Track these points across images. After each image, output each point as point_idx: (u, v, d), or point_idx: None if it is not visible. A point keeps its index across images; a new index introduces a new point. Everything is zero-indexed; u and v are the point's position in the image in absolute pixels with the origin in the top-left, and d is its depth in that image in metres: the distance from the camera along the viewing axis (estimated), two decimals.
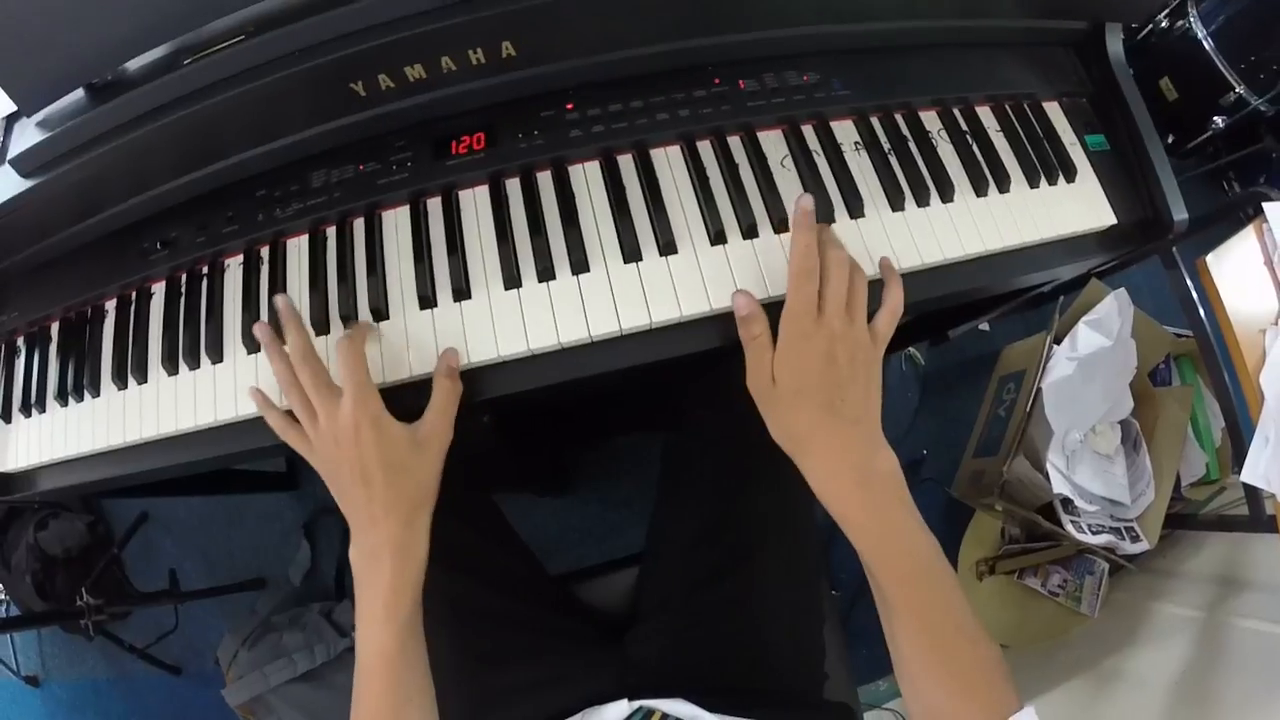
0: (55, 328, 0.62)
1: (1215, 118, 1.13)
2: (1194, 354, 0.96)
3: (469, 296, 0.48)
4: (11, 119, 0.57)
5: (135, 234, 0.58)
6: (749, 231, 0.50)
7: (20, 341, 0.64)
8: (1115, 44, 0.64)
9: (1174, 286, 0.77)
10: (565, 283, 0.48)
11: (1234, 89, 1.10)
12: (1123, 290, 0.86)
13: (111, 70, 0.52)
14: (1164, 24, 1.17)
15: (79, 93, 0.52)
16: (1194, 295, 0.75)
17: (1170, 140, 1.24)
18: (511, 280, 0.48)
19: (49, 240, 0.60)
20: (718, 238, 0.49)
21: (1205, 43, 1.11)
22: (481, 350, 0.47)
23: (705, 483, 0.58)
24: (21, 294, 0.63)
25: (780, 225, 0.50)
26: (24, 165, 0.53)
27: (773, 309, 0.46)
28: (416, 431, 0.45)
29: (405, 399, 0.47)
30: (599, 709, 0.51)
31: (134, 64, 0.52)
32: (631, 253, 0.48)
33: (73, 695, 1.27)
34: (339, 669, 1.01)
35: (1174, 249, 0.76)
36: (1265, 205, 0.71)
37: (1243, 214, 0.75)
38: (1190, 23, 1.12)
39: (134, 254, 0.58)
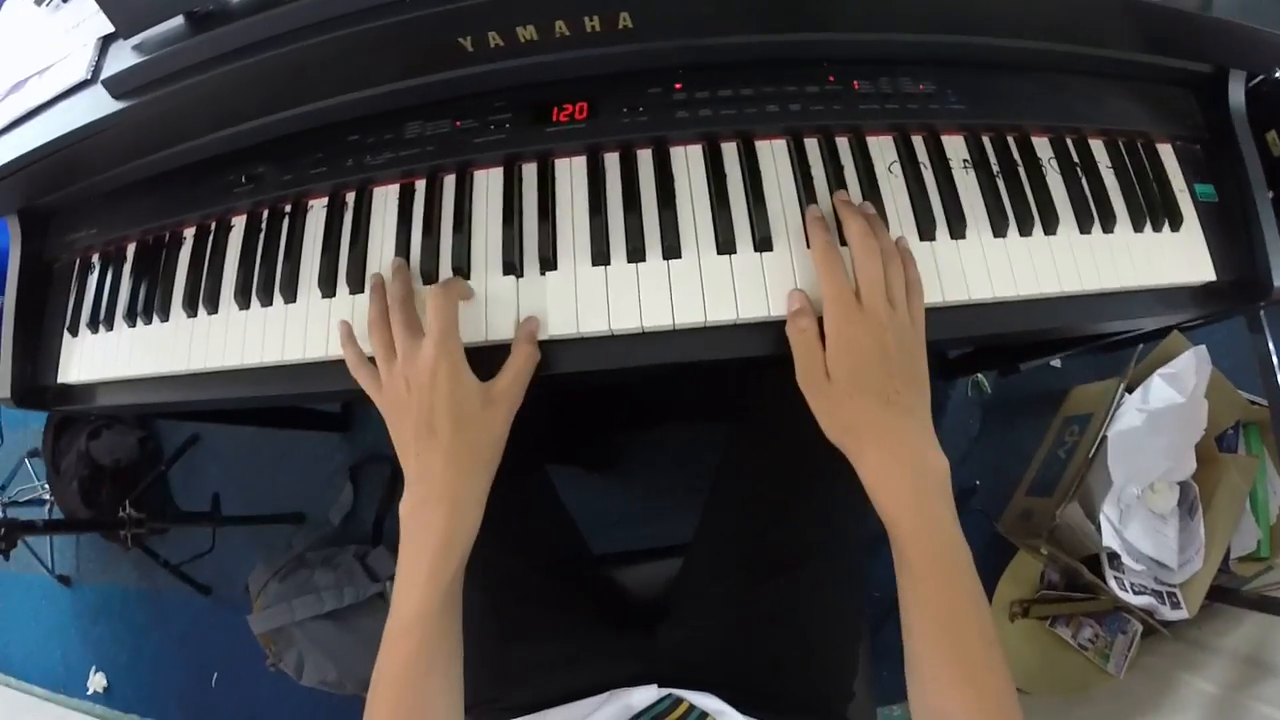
0: (132, 249, 0.60)
1: None
2: (1264, 424, 0.89)
3: (555, 268, 0.45)
4: (108, 40, 0.55)
5: (221, 166, 0.56)
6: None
7: (95, 259, 0.62)
8: (1238, 92, 0.58)
9: (1255, 351, 0.71)
10: (655, 265, 0.44)
11: None
12: (1203, 347, 0.80)
13: (213, 1, 0.49)
14: (1278, 74, 1.09)
15: (178, 20, 0.50)
16: (1275, 363, 0.69)
17: (1271, 195, 1.15)
18: (600, 257, 0.44)
19: (134, 163, 0.57)
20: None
21: None
22: (561, 324, 0.44)
23: (765, 480, 0.54)
24: (101, 213, 0.61)
25: None
26: (117, 87, 0.50)
27: None
28: (490, 389, 0.42)
29: (475, 362, 0.44)
30: (627, 691, 0.48)
31: None
32: (726, 244, 0.44)
33: (101, 599, 1.27)
34: (365, 613, 0.99)
35: (1261, 312, 0.70)
36: None
37: None
38: None
39: (218, 186, 0.55)
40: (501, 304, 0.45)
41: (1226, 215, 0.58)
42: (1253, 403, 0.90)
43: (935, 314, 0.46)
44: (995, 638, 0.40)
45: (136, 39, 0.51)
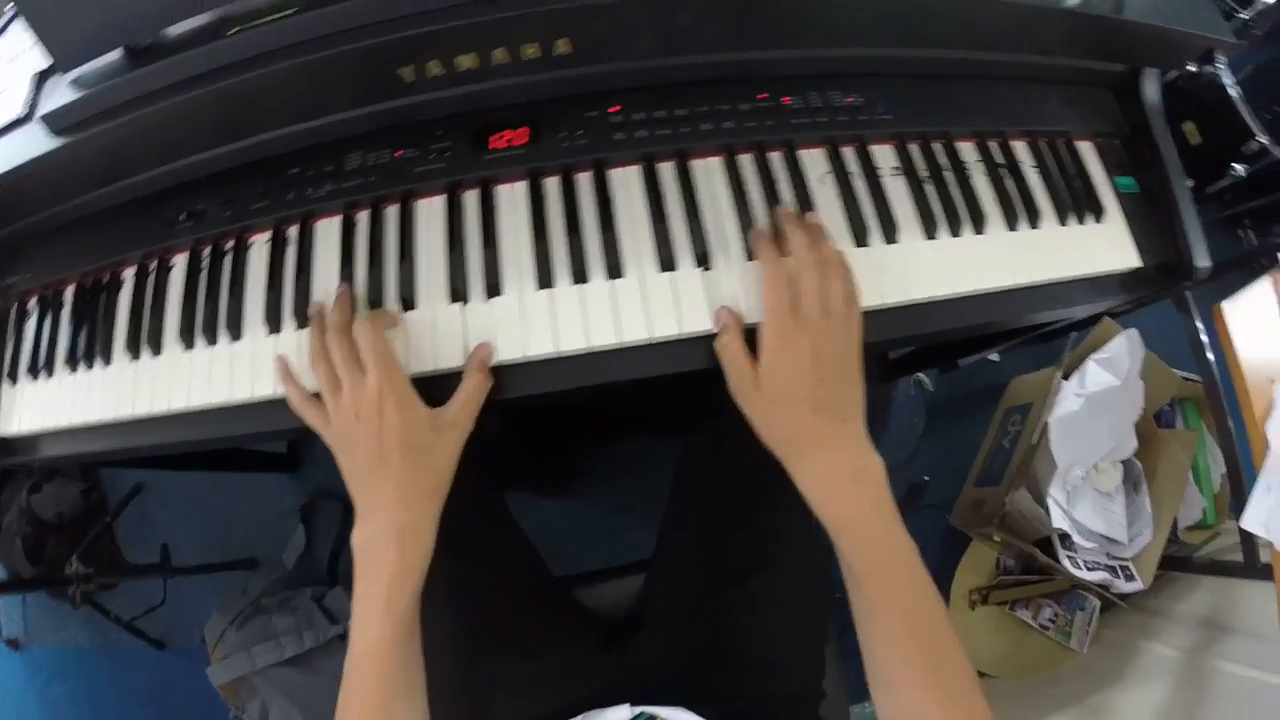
0: (70, 291, 0.61)
1: (1236, 165, 1.14)
2: (1199, 399, 0.96)
3: (500, 293, 0.48)
4: (43, 76, 0.56)
5: (161, 202, 0.57)
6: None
7: (32, 303, 0.62)
8: (1152, 89, 0.64)
9: (1185, 330, 0.77)
10: (598, 285, 0.47)
11: (1257, 138, 1.11)
12: (1134, 330, 0.87)
13: (153, 33, 0.51)
14: (1192, 69, 1.19)
15: (117, 53, 0.51)
16: (1205, 340, 0.76)
17: (1190, 184, 1.24)
18: (544, 279, 0.48)
19: (71, 202, 0.58)
20: (753, 251, 0.49)
21: (1232, 90, 1.12)
22: (509, 348, 0.47)
23: (723, 491, 0.57)
24: (37, 255, 0.62)
25: None
26: (55, 123, 0.52)
27: None
28: (439, 417, 0.44)
29: (424, 392, 0.46)
30: (600, 712, 0.50)
31: (176, 29, 0.51)
32: (667, 261, 0.48)
33: (54, 661, 1.24)
34: (327, 656, 0.99)
35: (1188, 294, 0.77)
36: None
37: (1259, 264, 0.75)
38: (1219, 69, 1.13)
39: (158, 223, 0.57)
40: (449, 332, 0.47)
41: (1148, 204, 0.63)
42: (1187, 379, 0.98)
43: (875, 316, 0.50)
44: (950, 626, 0.42)
45: (75, 73, 0.52)
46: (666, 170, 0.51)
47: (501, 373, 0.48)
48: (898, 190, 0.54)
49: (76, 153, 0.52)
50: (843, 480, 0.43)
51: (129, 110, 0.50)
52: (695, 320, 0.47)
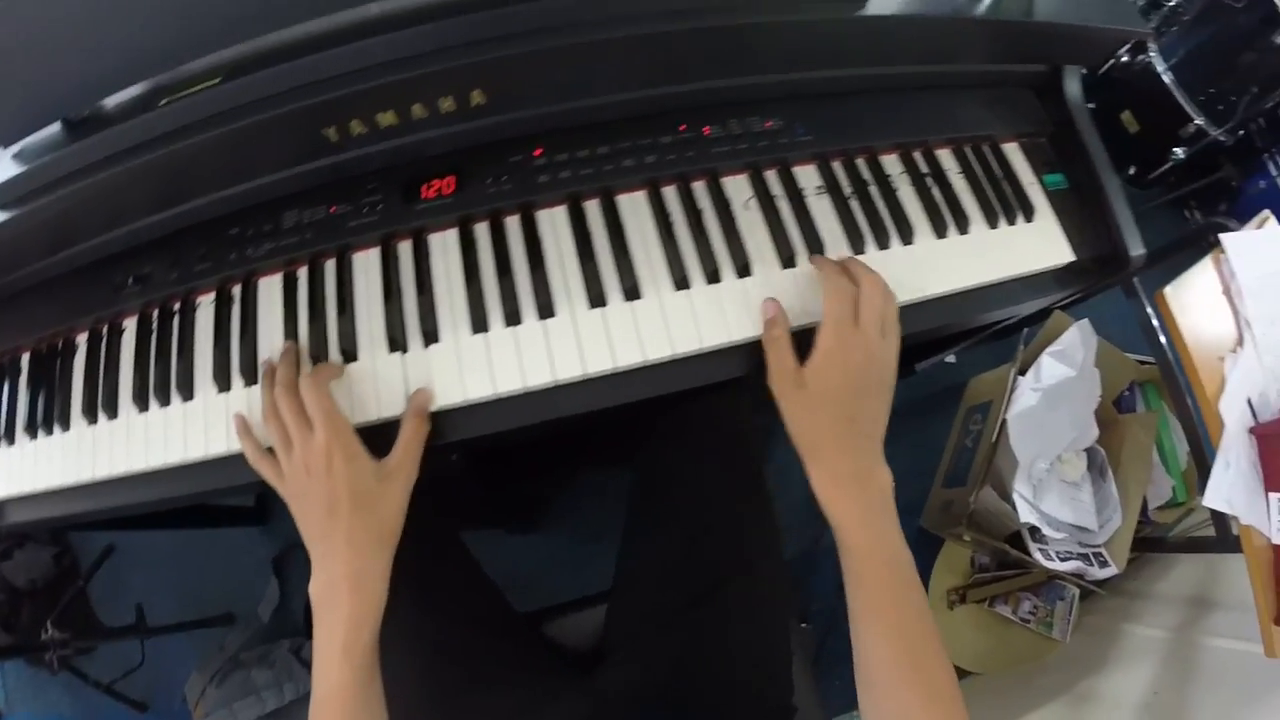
0: (26, 359, 0.63)
1: (1176, 149, 1.18)
2: (1158, 380, 0.99)
3: (437, 339, 0.50)
4: None
5: (109, 268, 0.59)
6: (712, 276, 0.52)
7: None
8: (1073, 86, 0.67)
9: (1136, 316, 0.79)
10: (531, 327, 0.50)
11: (1194, 121, 1.15)
12: (1085, 321, 0.89)
13: (89, 106, 0.53)
14: (1125, 58, 1.23)
15: (55, 126, 0.54)
16: (1155, 324, 0.78)
17: (1132, 171, 1.29)
18: (479, 324, 0.50)
19: (21, 271, 0.60)
20: (680, 282, 0.51)
21: (1165, 76, 1.16)
22: (448, 393, 0.49)
23: (672, 517, 0.60)
24: None
25: (743, 270, 0.52)
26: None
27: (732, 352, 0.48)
28: (384, 467, 0.47)
29: (371, 440, 0.48)
30: None
31: (111, 101, 0.53)
32: (596, 297, 0.50)
33: None
34: (307, 706, 1.00)
35: (1135, 280, 0.79)
36: (1222, 236, 0.74)
37: (1204, 243, 0.78)
38: (1151, 57, 1.17)
39: (107, 288, 0.59)
40: (390, 380, 0.50)
41: (1079, 199, 0.66)
42: (1143, 363, 1.00)
43: (801, 336, 0.52)
44: (938, 635, 0.46)
45: (15, 147, 0.54)
46: (592, 208, 0.53)
47: (444, 417, 0.50)
48: (822, 209, 0.57)
49: (22, 226, 0.54)
50: (853, 485, 0.47)
51: (70, 182, 0.53)
52: (628, 354, 0.49)
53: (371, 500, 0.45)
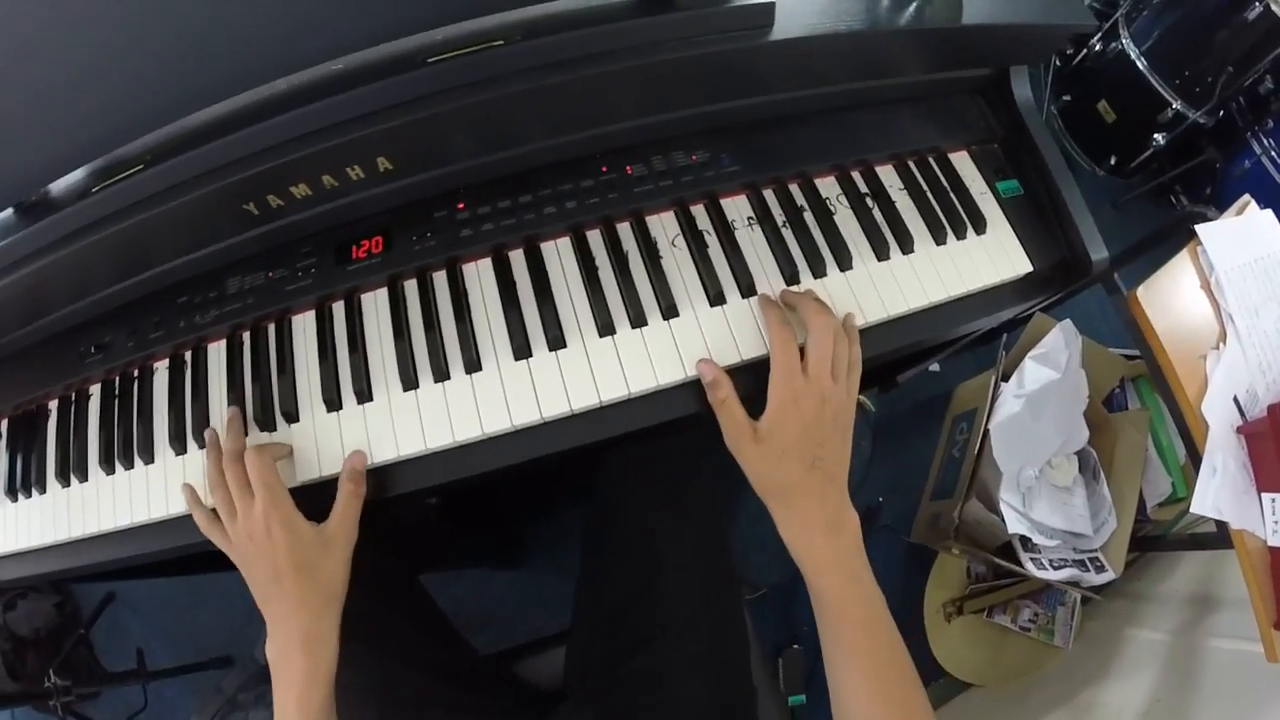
0: (4, 425, 0.68)
1: (1156, 135, 1.17)
2: (1150, 380, 0.97)
3: (370, 398, 0.54)
4: None
5: (73, 337, 0.65)
6: (637, 320, 0.54)
7: None
8: (1021, 87, 0.67)
9: (1119, 312, 0.79)
10: (459, 382, 0.53)
11: (1171, 105, 1.14)
12: (1068, 322, 0.89)
13: (35, 191, 0.58)
14: (1097, 47, 1.22)
15: (8, 211, 0.59)
16: (1140, 326, 0.77)
17: (1113, 161, 1.29)
18: (409, 381, 0.54)
19: None
20: (605, 329, 0.54)
21: (1139, 62, 1.15)
22: (383, 450, 0.53)
23: (617, 564, 0.63)
24: None
25: (669, 312, 0.55)
26: None
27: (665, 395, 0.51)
28: (323, 531, 0.51)
29: (319, 497, 0.52)
30: None
31: (56, 186, 0.58)
32: (521, 349, 0.53)
33: None
34: None
35: (1116, 275, 0.79)
36: (1198, 228, 0.73)
37: (1184, 234, 0.77)
38: (1123, 44, 1.16)
39: (72, 356, 0.65)
40: (329, 440, 0.54)
41: (1035, 205, 0.67)
42: (1132, 358, 0.99)
43: (741, 373, 0.54)
44: (913, 672, 0.48)
45: None
46: (516, 258, 0.57)
47: (388, 471, 0.54)
48: (754, 240, 0.59)
49: None
50: (821, 530, 0.49)
51: (26, 264, 0.58)
52: (554, 404, 0.52)
53: (312, 565, 0.50)
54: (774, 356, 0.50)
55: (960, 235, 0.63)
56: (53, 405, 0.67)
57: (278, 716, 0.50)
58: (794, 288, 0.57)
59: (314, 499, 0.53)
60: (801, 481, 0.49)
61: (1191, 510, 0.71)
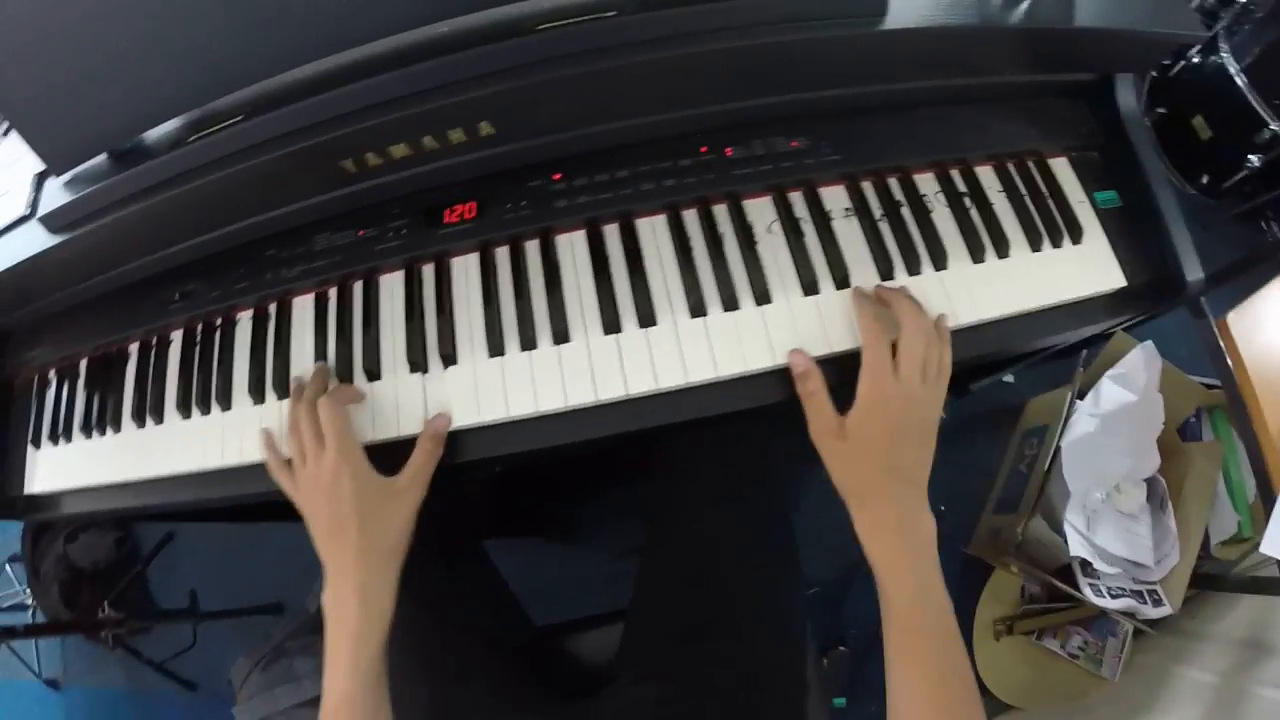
0: (84, 365, 0.70)
1: (1251, 156, 1.12)
2: (1226, 406, 0.94)
3: (455, 362, 0.54)
4: (42, 176, 0.65)
5: (157, 284, 0.66)
6: (729, 303, 0.53)
7: (52, 375, 0.72)
8: (1126, 95, 0.65)
9: (1203, 338, 0.77)
10: (546, 352, 0.53)
11: (1269, 125, 1.09)
12: (1149, 343, 0.86)
13: (131, 139, 0.59)
14: (1195, 59, 1.17)
15: (102, 157, 0.60)
16: (1222, 347, 0.75)
17: (1205, 181, 1.24)
18: (496, 348, 0.53)
19: (77, 287, 0.68)
20: (696, 309, 0.53)
21: (1238, 78, 1.11)
22: (464, 414, 0.53)
23: (685, 544, 0.62)
24: (54, 333, 0.72)
25: (761, 297, 0.54)
26: (53, 223, 0.61)
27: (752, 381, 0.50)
28: (392, 485, 0.51)
29: (393, 456, 0.53)
30: None
31: (151, 134, 0.59)
32: (610, 324, 0.53)
33: (91, 702, 1.39)
34: None
35: (1202, 299, 0.76)
36: None
37: (1274, 262, 0.75)
38: (1222, 58, 1.11)
39: (155, 303, 0.66)
40: (410, 401, 0.54)
41: (1133, 218, 0.64)
42: (1210, 387, 0.96)
43: (829, 365, 0.53)
44: (974, 685, 0.47)
45: (67, 175, 0.61)
46: (611, 233, 0.56)
47: (463, 437, 0.54)
48: (850, 232, 0.58)
49: (74, 248, 0.61)
50: (896, 533, 0.49)
51: (116, 210, 0.59)
52: (641, 381, 0.51)
53: (377, 518, 0.50)
54: (866, 354, 0.49)
55: (1056, 243, 0.61)
56: (133, 349, 0.68)
57: (328, 665, 0.49)
58: (888, 284, 0.56)
59: (388, 457, 0.52)
60: (881, 482, 0.48)
61: (1261, 550, 0.69)
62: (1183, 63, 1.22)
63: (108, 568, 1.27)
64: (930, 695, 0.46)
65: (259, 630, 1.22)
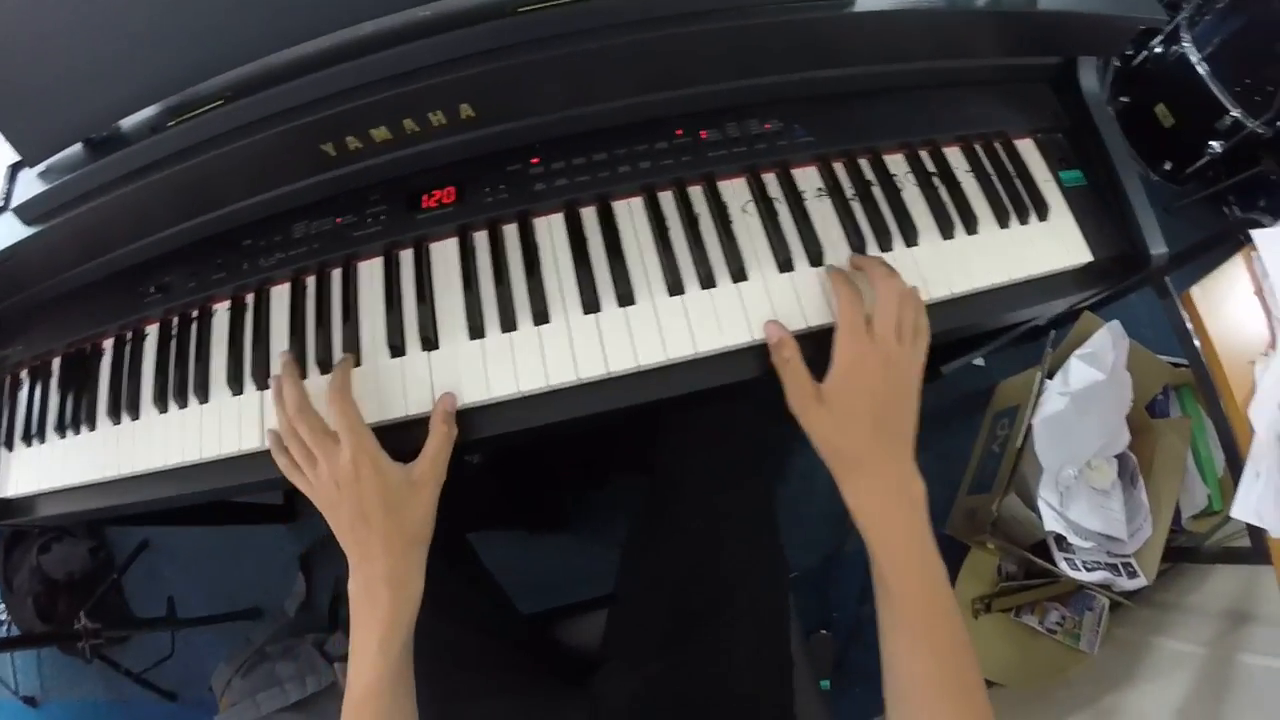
0: (57, 363, 0.69)
1: (1213, 142, 1.17)
2: (1193, 384, 0.98)
3: (436, 346, 0.54)
4: (16, 167, 0.64)
5: (132, 277, 0.65)
6: (706, 281, 0.54)
7: (24, 374, 0.71)
8: (1089, 78, 0.67)
9: (1168, 316, 0.79)
10: (526, 333, 0.53)
11: (1230, 112, 1.13)
12: (1116, 323, 0.89)
13: (107, 127, 0.58)
14: (1158, 49, 1.22)
15: (78, 146, 0.59)
16: (1188, 326, 0.78)
17: (1169, 167, 1.28)
18: (476, 330, 0.54)
19: (51, 281, 0.67)
20: (674, 288, 0.54)
21: (1200, 67, 1.15)
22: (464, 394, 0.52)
23: (676, 528, 0.62)
24: (25, 330, 0.70)
25: (737, 275, 0.55)
26: (27, 213, 0.60)
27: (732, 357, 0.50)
28: (412, 472, 0.50)
29: (387, 439, 0.52)
30: None
31: (127, 122, 0.58)
32: (590, 304, 0.53)
33: (71, 716, 1.35)
34: (329, 699, 1.07)
35: (1167, 279, 0.79)
36: (1253, 233, 0.73)
37: (1236, 240, 0.77)
38: (1184, 47, 1.16)
39: (130, 296, 0.65)
40: (391, 384, 0.54)
41: (1097, 196, 0.66)
42: (1177, 365, 0.99)
43: (807, 340, 0.54)
44: (973, 654, 0.46)
45: (42, 165, 0.60)
46: (589, 215, 0.56)
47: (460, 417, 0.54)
48: (823, 211, 0.59)
49: (48, 240, 0.61)
50: (886, 498, 0.48)
51: (91, 199, 0.59)
52: (620, 359, 0.52)
53: (402, 507, 0.49)
54: (839, 317, 0.49)
55: (1023, 220, 0.63)
56: (107, 344, 0.67)
57: (355, 655, 0.48)
58: (879, 253, 0.57)
59: (387, 440, 0.51)
60: (866, 446, 0.48)
61: (1231, 515, 0.71)
62: (1146, 53, 1.26)
63: (83, 578, 1.24)
64: (929, 662, 0.45)
65: (239, 636, 1.21)
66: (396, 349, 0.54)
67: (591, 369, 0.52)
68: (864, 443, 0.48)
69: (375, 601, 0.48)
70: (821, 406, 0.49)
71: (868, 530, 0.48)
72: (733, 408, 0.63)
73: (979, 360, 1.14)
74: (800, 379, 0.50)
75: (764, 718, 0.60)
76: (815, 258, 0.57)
